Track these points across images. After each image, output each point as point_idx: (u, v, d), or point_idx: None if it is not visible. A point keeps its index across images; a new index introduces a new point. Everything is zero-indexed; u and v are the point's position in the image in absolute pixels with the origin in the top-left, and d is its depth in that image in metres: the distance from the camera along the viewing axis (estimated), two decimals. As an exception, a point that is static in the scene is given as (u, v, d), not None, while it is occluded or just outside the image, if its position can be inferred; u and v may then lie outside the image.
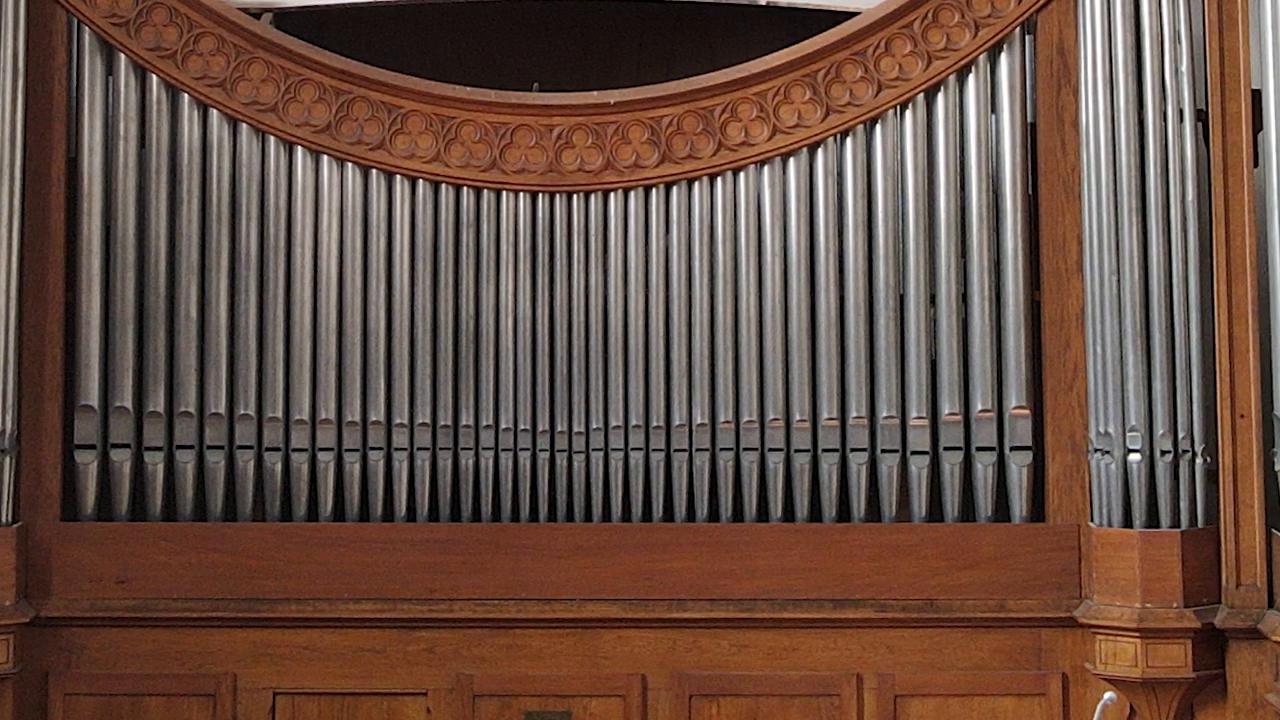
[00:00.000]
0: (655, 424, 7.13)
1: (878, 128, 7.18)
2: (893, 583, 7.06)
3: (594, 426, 7.13)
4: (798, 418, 7.11)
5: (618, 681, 7.08)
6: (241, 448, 7.14)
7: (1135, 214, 6.93)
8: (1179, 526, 6.87)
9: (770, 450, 7.11)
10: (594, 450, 7.13)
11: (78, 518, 7.13)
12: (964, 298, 7.13)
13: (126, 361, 7.14)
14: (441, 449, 7.15)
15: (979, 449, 7.07)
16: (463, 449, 7.14)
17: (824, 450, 7.11)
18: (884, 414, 7.10)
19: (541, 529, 7.13)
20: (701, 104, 7.19)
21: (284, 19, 7.52)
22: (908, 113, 7.18)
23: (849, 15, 7.25)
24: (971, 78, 7.17)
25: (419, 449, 7.14)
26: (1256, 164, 6.92)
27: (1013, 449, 7.06)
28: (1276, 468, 6.73)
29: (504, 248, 7.20)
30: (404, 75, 7.24)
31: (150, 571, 7.08)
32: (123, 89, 7.19)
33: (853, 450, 7.10)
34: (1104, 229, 6.96)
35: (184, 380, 7.15)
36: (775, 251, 7.17)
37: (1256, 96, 6.86)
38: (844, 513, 7.13)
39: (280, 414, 7.15)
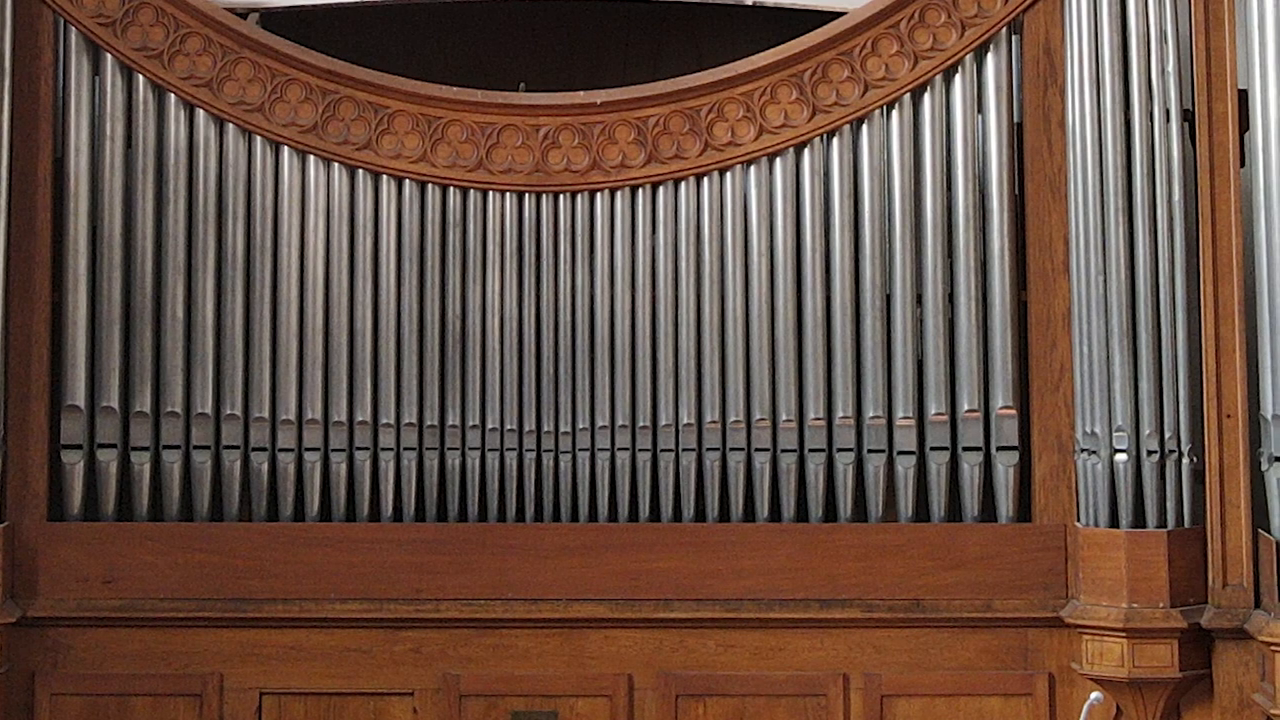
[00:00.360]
0: (642, 424, 7.13)
1: (864, 128, 7.18)
2: (879, 583, 7.06)
3: (580, 426, 7.14)
4: (784, 418, 7.12)
5: (604, 681, 7.08)
6: (228, 448, 7.15)
7: (1122, 214, 6.94)
8: (1165, 526, 6.88)
9: (756, 450, 7.12)
10: (580, 450, 7.14)
11: (64, 518, 7.13)
12: (950, 298, 7.14)
13: (113, 361, 7.14)
14: (428, 449, 7.15)
15: (965, 449, 7.08)
16: (449, 449, 7.15)
17: (810, 450, 7.11)
18: (870, 414, 7.10)
19: (528, 529, 7.13)
20: (688, 104, 7.20)
21: (270, 19, 7.51)
22: (894, 113, 7.18)
23: (835, 15, 7.25)
24: (958, 78, 7.17)
25: (405, 449, 7.15)
26: (1243, 164, 6.93)
27: (999, 449, 7.07)
28: (1263, 468, 6.72)
29: (490, 248, 7.20)
30: (390, 75, 7.25)
31: (137, 571, 7.08)
32: (109, 89, 7.20)
33: (839, 450, 7.11)
34: (1090, 229, 6.96)
35: (170, 380, 7.15)
36: (761, 252, 7.17)
37: (1243, 96, 6.87)
38: (830, 513, 7.13)
39: (267, 414, 7.15)
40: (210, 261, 7.19)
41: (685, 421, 7.13)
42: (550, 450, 7.15)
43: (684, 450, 7.13)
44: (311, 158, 7.22)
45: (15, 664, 7.03)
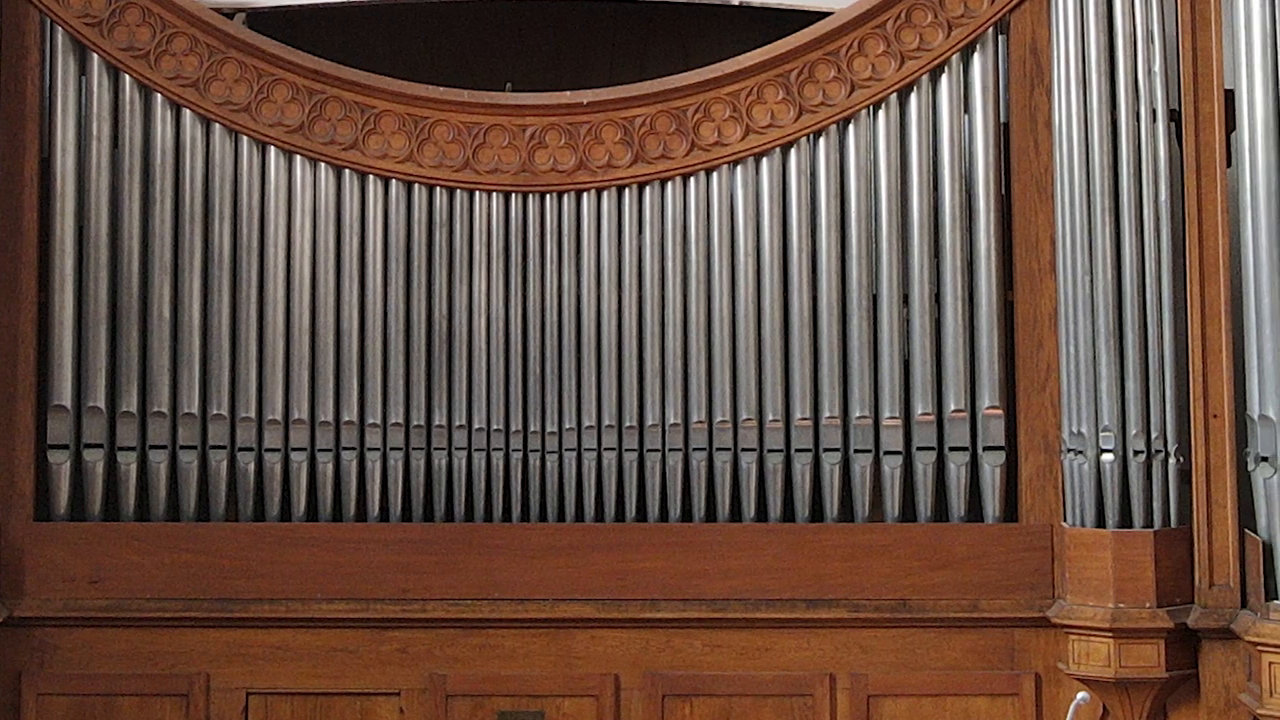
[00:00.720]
0: (628, 424, 7.14)
1: (851, 128, 7.19)
2: (866, 583, 7.07)
3: (567, 426, 7.14)
4: (771, 418, 7.12)
5: (591, 681, 7.08)
6: (214, 448, 7.16)
7: (1108, 214, 6.94)
8: (1152, 526, 6.88)
9: (743, 450, 7.12)
10: (567, 450, 7.14)
11: (51, 518, 7.14)
12: (937, 298, 7.14)
13: (99, 361, 7.15)
14: (414, 449, 7.15)
15: (952, 449, 7.08)
16: (436, 449, 7.16)
17: (797, 450, 7.11)
18: (857, 414, 7.11)
19: (514, 529, 7.13)
20: (675, 104, 7.20)
21: (257, 19, 7.52)
22: (881, 113, 7.18)
23: (822, 15, 7.26)
24: (945, 78, 7.18)
25: (392, 449, 7.16)
26: (1229, 164, 6.93)
27: (986, 449, 7.07)
28: (1249, 468, 6.72)
29: (477, 248, 7.20)
30: (377, 75, 7.26)
31: (123, 571, 7.09)
32: (96, 89, 7.21)
33: (826, 450, 7.11)
34: (1077, 229, 6.96)
35: (157, 380, 7.16)
36: (748, 251, 7.17)
37: (1229, 97, 6.88)
38: (817, 513, 7.13)
39: (253, 414, 7.16)
40: (197, 261, 7.20)
41: (672, 421, 7.14)
42: (537, 450, 7.15)
43: (670, 450, 7.13)
44: (298, 158, 7.22)
45: (2, 664, 7.04)
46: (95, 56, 7.21)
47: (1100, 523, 6.91)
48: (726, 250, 7.18)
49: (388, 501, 7.16)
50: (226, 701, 7.09)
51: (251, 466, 7.14)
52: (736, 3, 7.54)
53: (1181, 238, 6.93)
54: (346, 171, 7.22)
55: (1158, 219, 6.92)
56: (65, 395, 7.12)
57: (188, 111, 7.21)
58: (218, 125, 7.22)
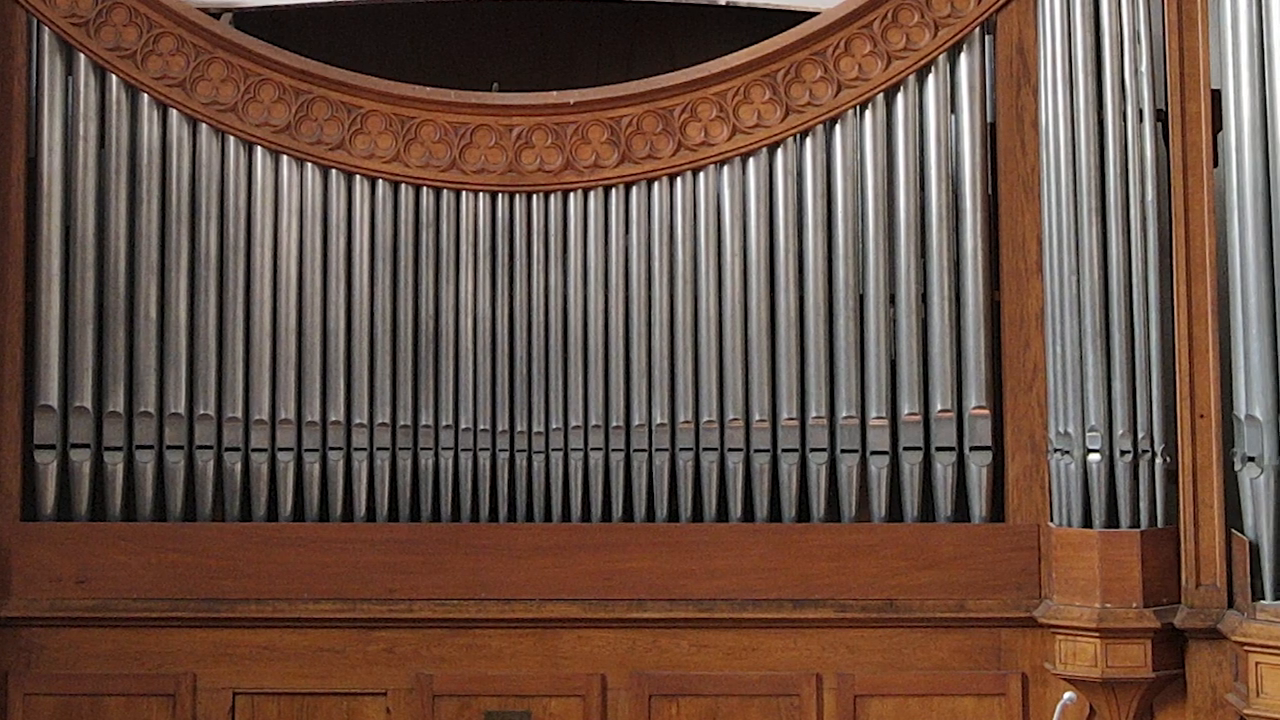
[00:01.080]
0: (615, 424, 7.14)
1: (837, 128, 7.18)
2: (852, 583, 7.06)
3: (553, 426, 7.14)
4: (757, 418, 7.11)
5: (577, 681, 7.08)
6: (201, 448, 7.15)
7: (1095, 214, 6.93)
8: (1139, 526, 6.87)
9: (730, 450, 7.12)
10: (554, 450, 7.14)
11: (37, 518, 7.13)
12: (923, 298, 7.13)
13: (86, 361, 7.14)
14: (401, 449, 7.15)
15: (938, 449, 7.08)
16: (422, 449, 7.16)
17: (783, 450, 7.11)
18: (843, 414, 7.10)
19: (501, 529, 7.13)
20: (661, 104, 7.20)
21: (243, 19, 7.52)
22: (867, 113, 7.18)
23: (809, 15, 7.26)
24: (931, 78, 7.17)
25: (378, 449, 7.15)
26: (1216, 164, 6.92)
27: (972, 449, 7.07)
28: (1236, 468, 6.71)
29: (463, 248, 7.20)
30: (363, 75, 7.26)
31: (110, 571, 7.08)
32: (82, 89, 7.21)
33: (812, 450, 7.10)
34: (1064, 229, 6.96)
35: (143, 380, 7.16)
36: (735, 251, 7.17)
37: (1216, 96, 6.86)
38: (803, 513, 7.13)
39: (240, 414, 7.15)
40: (184, 261, 7.20)
41: (658, 421, 7.13)
42: (524, 450, 7.15)
43: (657, 450, 7.13)
44: (285, 158, 7.22)
45: (-12, 664, 7.06)
46: (82, 56, 7.21)
47: (1087, 523, 6.90)
48: (713, 250, 7.18)
49: (374, 501, 7.16)
50: (213, 701, 7.08)
51: (238, 466, 7.14)
52: (723, 3, 7.54)
53: (1168, 238, 6.93)
54: (333, 171, 7.22)
55: (1144, 219, 6.92)
56: (52, 395, 7.12)
57: (174, 111, 7.21)
58: (204, 125, 7.22)
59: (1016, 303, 7.11)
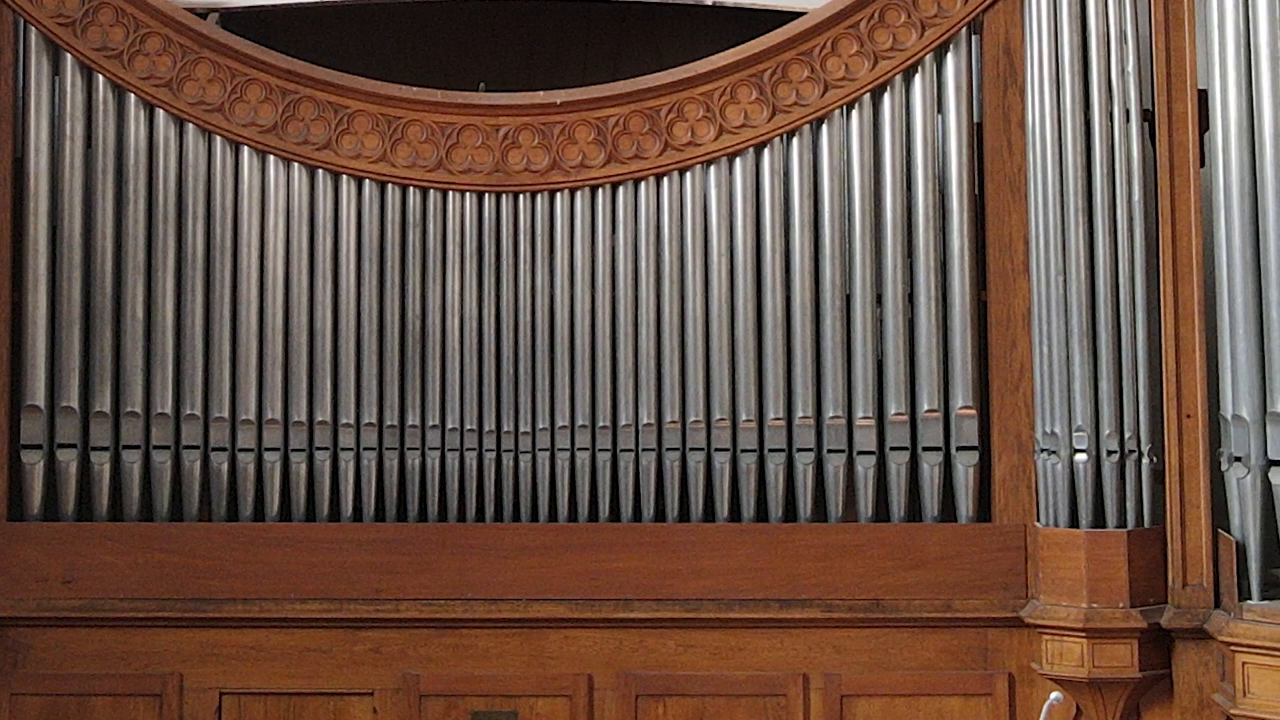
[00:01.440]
0: (601, 424, 7.14)
1: (824, 128, 7.18)
2: (839, 583, 7.06)
3: (540, 426, 7.14)
4: (744, 418, 7.11)
5: (564, 681, 7.08)
6: (188, 448, 7.15)
7: (1082, 214, 6.93)
8: (1125, 526, 6.87)
9: (716, 450, 7.11)
10: (540, 450, 7.14)
11: (24, 518, 7.13)
12: (910, 298, 7.13)
13: (73, 361, 7.14)
14: (388, 449, 7.15)
15: (925, 449, 7.07)
16: (409, 449, 7.15)
17: (770, 450, 7.11)
18: (830, 414, 7.10)
19: (488, 529, 7.13)
20: (648, 104, 7.20)
21: (230, 19, 7.52)
22: (854, 113, 7.18)
23: (795, 15, 7.25)
24: (918, 78, 7.17)
25: (365, 449, 7.15)
26: (1203, 164, 6.92)
27: (959, 449, 7.07)
28: (1223, 468, 6.73)
29: (450, 248, 7.20)
30: (350, 75, 7.26)
31: (96, 571, 7.08)
32: (69, 89, 7.20)
33: (799, 450, 7.10)
34: (1050, 229, 6.95)
35: (130, 380, 7.15)
36: (721, 252, 7.17)
37: (1203, 97, 6.86)
38: (790, 513, 7.13)
39: (226, 414, 7.15)
40: (170, 261, 7.20)
41: (645, 421, 7.13)
42: (510, 450, 7.15)
43: (644, 450, 7.12)
44: (271, 158, 7.22)
45: (-25, 664, 7.06)
46: (69, 56, 7.20)
47: (1074, 523, 6.90)
48: (700, 250, 7.18)
49: (361, 501, 7.15)
50: (200, 701, 7.08)
51: (225, 466, 7.14)
52: (710, 3, 7.54)
53: (1155, 238, 6.93)
54: (320, 171, 7.22)
55: (1131, 219, 6.92)
56: (38, 395, 7.11)
57: (161, 111, 7.21)
58: (191, 125, 7.21)
59: (1003, 303, 7.11)
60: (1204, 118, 6.87)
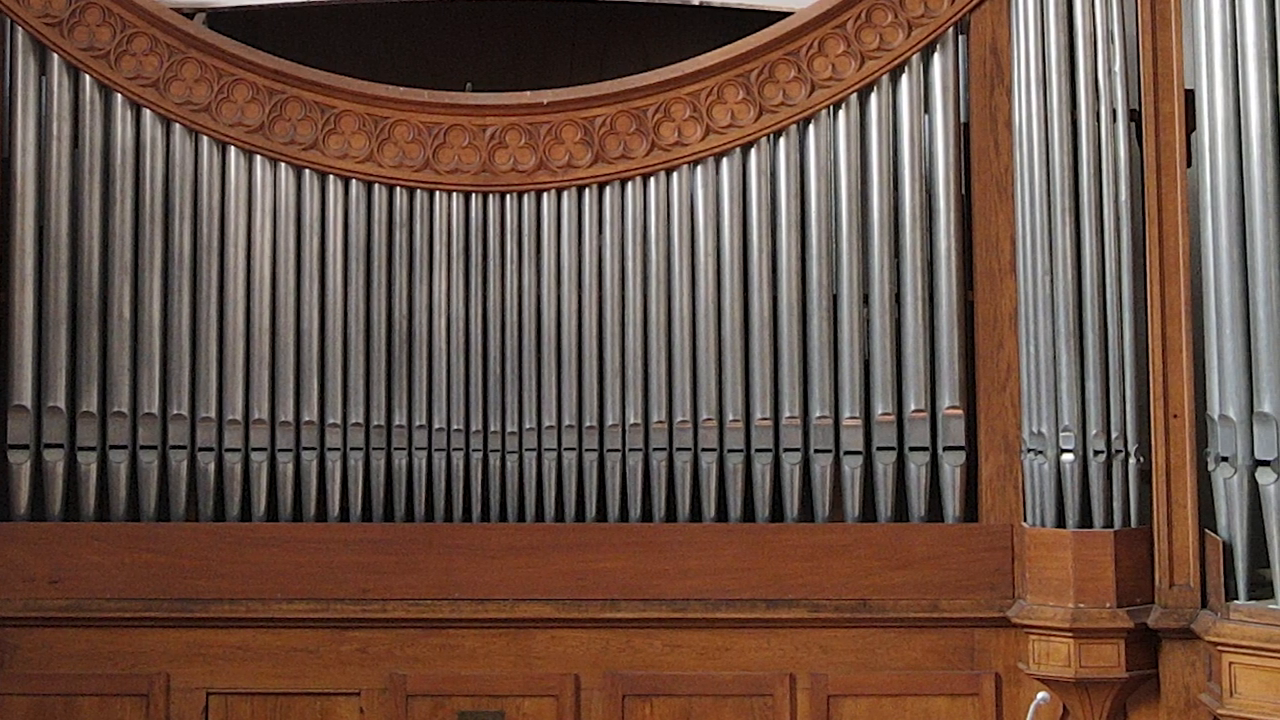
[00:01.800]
0: (588, 424, 7.14)
1: (811, 128, 7.18)
2: (826, 583, 7.06)
3: (527, 426, 7.14)
4: (731, 418, 7.11)
5: (551, 681, 7.08)
6: (175, 448, 7.15)
7: (1068, 214, 6.93)
8: (1112, 526, 6.87)
9: (704, 450, 7.12)
10: (527, 450, 7.14)
11: (10, 518, 7.13)
12: (897, 298, 7.14)
13: (59, 361, 7.14)
14: (375, 449, 7.16)
15: (912, 449, 7.08)
16: (396, 449, 7.16)
17: (757, 450, 7.11)
18: (817, 414, 7.10)
19: (474, 529, 7.13)
20: (635, 104, 7.20)
21: (217, 19, 7.53)
22: (841, 113, 7.18)
23: (782, 15, 7.25)
24: (905, 78, 7.17)
25: (352, 449, 7.15)
26: (1189, 164, 6.91)
27: (946, 449, 7.07)
28: (1209, 468, 6.73)
29: (437, 248, 7.20)
30: (337, 75, 7.26)
31: (83, 571, 7.08)
32: (56, 89, 7.21)
33: (786, 450, 7.11)
34: (1037, 229, 6.96)
35: (117, 380, 7.15)
36: (708, 251, 7.17)
37: (1190, 96, 6.86)
38: (777, 513, 7.13)
39: (213, 414, 7.16)
40: (157, 261, 7.20)
41: (632, 421, 7.13)
42: (497, 450, 7.15)
43: (630, 450, 7.12)
44: (258, 158, 7.22)
45: (-39, 664, 7.06)
46: (55, 56, 7.20)
47: (1060, 523, 6.90)
48: (687, 250, 7.18)
49: (348, 501, 7.15)
50: (186, 701, 7.08)
51: (212, 466, 7.14)
52: (696, 3, 7.54)
53: (1142, 238, 6.93)
54: (307, 171, 7.22)
55: (1118, 219, 6.92)
56: (25, 395, 7.11)
57: (148, 111, 7.21)
58: (178, 125, 7.22)
59: (990, 303, 7.11)
60: (1190, 118, 6.87)
